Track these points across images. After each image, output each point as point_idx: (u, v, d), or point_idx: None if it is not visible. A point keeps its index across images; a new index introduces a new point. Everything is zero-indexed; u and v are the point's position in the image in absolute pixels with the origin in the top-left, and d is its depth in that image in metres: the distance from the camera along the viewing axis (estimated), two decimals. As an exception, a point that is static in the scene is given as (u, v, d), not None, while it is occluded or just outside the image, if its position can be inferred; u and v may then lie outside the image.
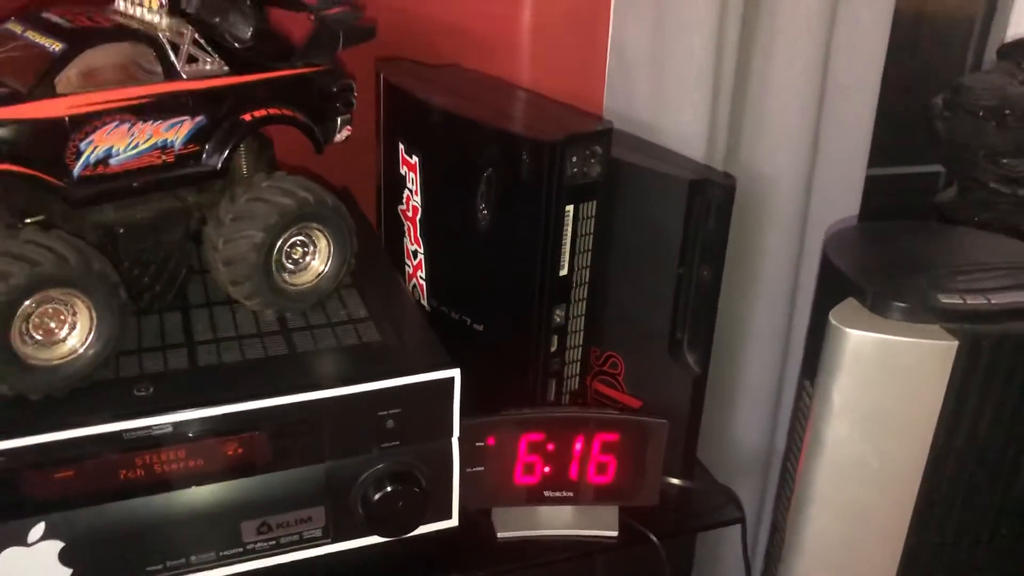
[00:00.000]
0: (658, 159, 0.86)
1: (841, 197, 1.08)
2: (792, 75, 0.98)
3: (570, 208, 0.79)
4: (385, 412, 0.70)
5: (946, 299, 0.71)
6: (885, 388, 0.72)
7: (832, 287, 0.76)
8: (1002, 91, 1.01)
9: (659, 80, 0.95)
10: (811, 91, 1.00)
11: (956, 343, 0.71)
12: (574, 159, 0.77)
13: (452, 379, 0.71)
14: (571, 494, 0.82)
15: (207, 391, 0.66)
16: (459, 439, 0.74)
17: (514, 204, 0.80)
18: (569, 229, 0.80)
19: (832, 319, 0.73)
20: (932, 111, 1.05)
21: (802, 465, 0.78)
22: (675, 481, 0.89)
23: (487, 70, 0.97)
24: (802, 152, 1.01)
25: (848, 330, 0.72)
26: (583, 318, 0.85)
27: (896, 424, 0.73)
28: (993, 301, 0.71)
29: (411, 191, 0.89)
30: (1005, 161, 0.95)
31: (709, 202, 0.80)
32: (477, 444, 0.78)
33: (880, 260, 0.78)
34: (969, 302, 0.71)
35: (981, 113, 0.98)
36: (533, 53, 0.99)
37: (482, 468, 0.79)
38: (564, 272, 0.82)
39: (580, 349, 0.87)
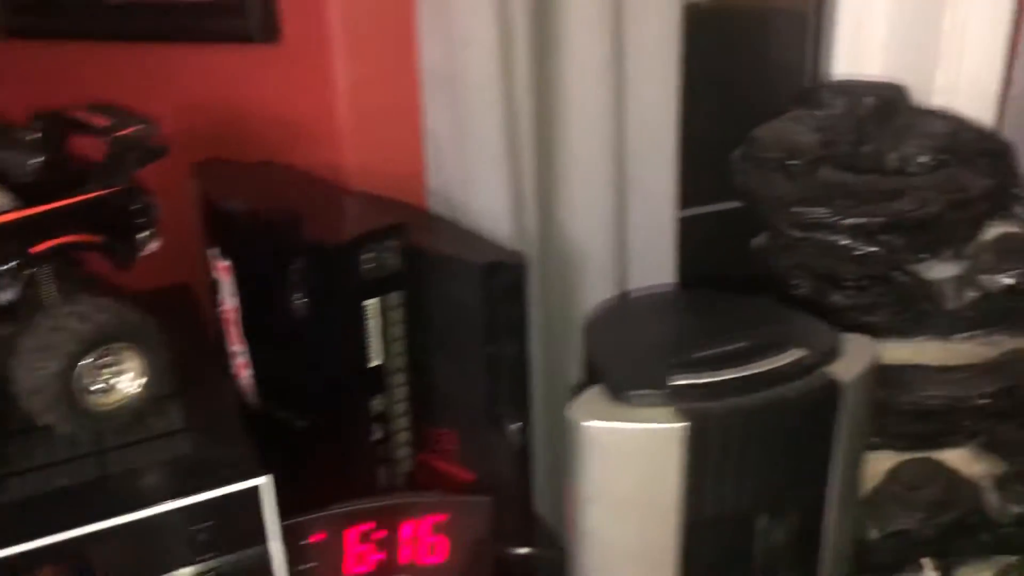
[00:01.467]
0: (462, 242, 0.90)
1: (654, 251, 1.12)
2: (590, 147, 1.03)
3: (371, 301, 0.82)
4: (197, 526, 0.71)
5: (679, 380, 0.74)
6: (627, 473, 0.75)
7: (589, 370, 0.79)
8: (789, 141, 1.07)
9: (463, 162, 0.99)
10: (610, 159, 1.04)
11: (687, 424, 0.74)
12: (370, 255, 0.80)
13: (262, 487, 0.72)
14: (406, 578, 0.84)
15: (15, 527, 0.66)
16: (284, 539, 0.75)
17: (319, 303, 0.82)
18: (376, 321, 0.83)
19: (569, 412, 0.76)
20: (733, 164, 1.11)
21: (574, 549, 0.80)
22: (518, 550, 0.92)
23: (312, 160, 0.99)
24: (608, 216, 1.05)
25: (584, 423, 0.75)
26: (406, 402, 0.88)
27: (643, 505, 0.76)
28: (722, 377, 0.74)
29: (226, 294, 0.90)
30: (793, 210, 1.00)
31: (504, 283, 0.84)
32: (304, 542, 0.79)
33: (629, 341, 0.81)
34: (700, 381, 0.74)
35: (768, 165, 1.04)
36: (354, 141, 1.02)
37: (315, 564, 0.80)
38: (378, 362, 0.84)
39: (407, 432, 0.89)
